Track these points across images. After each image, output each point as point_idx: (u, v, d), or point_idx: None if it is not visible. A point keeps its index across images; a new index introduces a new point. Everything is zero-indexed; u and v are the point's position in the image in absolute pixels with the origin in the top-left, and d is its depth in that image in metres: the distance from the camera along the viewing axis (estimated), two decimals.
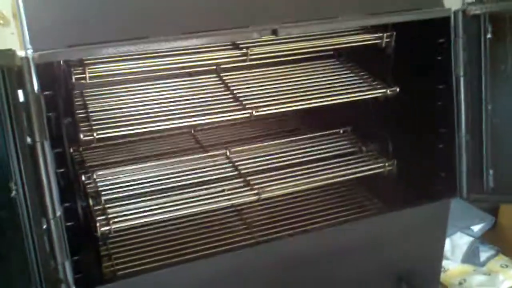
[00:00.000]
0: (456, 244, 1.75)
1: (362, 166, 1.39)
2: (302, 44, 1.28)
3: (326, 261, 1.23)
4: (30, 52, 0.89)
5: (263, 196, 1.28)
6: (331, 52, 1.47)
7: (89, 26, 0.97)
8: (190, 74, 1.35)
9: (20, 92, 0.88)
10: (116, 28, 0.99)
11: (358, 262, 1.28)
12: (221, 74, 1.37)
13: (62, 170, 0.99)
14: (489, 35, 1.16)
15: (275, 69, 1.39)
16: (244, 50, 1.22)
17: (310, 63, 1.42)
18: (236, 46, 1.24)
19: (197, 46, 1.20)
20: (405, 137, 1.38)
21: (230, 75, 1.37)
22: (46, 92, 0.94)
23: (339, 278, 1.27)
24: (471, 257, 1.72)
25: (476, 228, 1.82)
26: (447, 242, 1.74)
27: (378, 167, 1.39)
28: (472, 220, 1.83)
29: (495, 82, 1.19)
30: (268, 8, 1.10)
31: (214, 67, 1.36)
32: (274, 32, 1.04)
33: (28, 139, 0.89)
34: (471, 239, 1.77)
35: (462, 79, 1.18)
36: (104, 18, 1.00)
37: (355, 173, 1.37)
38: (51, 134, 0.93)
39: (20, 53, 0.89)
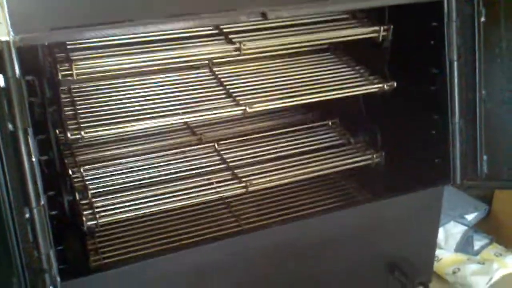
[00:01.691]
0: (450, 233, 1.74)
1: (350, 158, 1.39)
2: (297, 38, 1.25)
3: (318, 250, 1.22)
4: (11, 35, 0.86)
5: (251, 189, 1.27)
6: (326, 46, 1.45)
7: (73, 10, 0.95)
8: (182, 69, 1.32)
9: (0, 77, 0.85)
10: (100, 12, 0.96)
11: (350, 251, 1.27)
12: (214, 69, 1.34)
13: (46, 157, 0.96)
14: (483, 19, 1.15)
15: (270, 64, 1.37)
16: (237, 45, 1.19)
17: (305, 57, 1.40)
18: (229, 41, 1.21)
19: (189, 41, 1.17)
20: (397, 124, 1.36)
21: (223, 69, 1.35)
22: (28, 77, 0.91)
23: (331, 267, 1.26)
24: (465, 246, 1.71)
25: (470, 217, 1.82)
26: (441, 231, 1.73)
27: (366, 159, 1.39)
28: (465, 209, 1.82)
29: (489, 67, 1.17)
30: None
31: (207, 62, 1.34)
32: (263, 15, 1.02)
33: (10, 126, 0.86)
34: (465, 228, 1.76)
35: (455, 64, 1.16)
36: (88, 1, 0.97)
37: (343, 165, 1.36)
38: (34, 120, 0.90)
39: (3, 37, 0.86)
